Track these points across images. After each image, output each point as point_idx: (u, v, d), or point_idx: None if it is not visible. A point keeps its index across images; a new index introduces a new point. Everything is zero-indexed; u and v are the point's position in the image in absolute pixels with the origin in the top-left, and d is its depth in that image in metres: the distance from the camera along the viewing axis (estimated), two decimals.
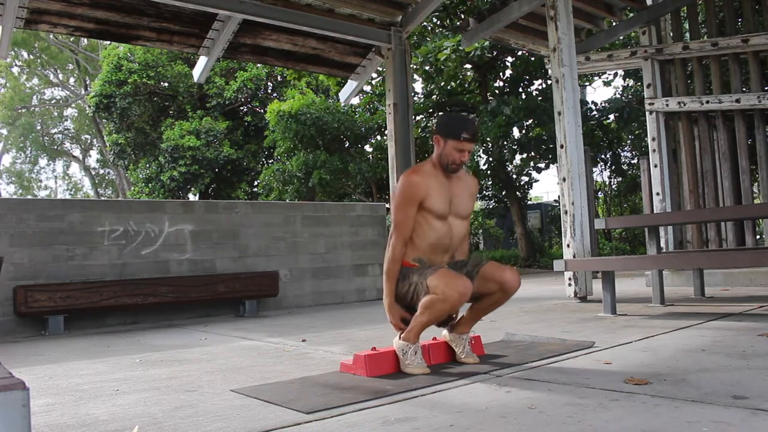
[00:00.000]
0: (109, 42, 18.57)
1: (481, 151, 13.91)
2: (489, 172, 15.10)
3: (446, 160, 2.65)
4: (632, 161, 15.73)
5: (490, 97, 13.59)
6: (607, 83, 15.30)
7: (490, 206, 17.90)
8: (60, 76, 30.49)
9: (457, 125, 2.62)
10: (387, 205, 9.03)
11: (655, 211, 6.92)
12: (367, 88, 14.97)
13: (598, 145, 14.02)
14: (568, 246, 5.55)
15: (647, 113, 7.25)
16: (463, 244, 2.80)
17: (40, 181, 36.62)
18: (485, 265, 2.68)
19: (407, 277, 2.58)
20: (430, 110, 14.86)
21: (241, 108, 18.44)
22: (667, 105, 7.08)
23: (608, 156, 15.29)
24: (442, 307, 2.45)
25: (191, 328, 5.07)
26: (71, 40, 25.11)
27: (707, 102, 6.83)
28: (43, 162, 35.18)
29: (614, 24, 7.96)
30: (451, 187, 2.68)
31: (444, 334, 2.82)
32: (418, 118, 14.63)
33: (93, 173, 32.97)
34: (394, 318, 2.64)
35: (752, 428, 1.58)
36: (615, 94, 15.20)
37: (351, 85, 8.13)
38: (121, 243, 5.59)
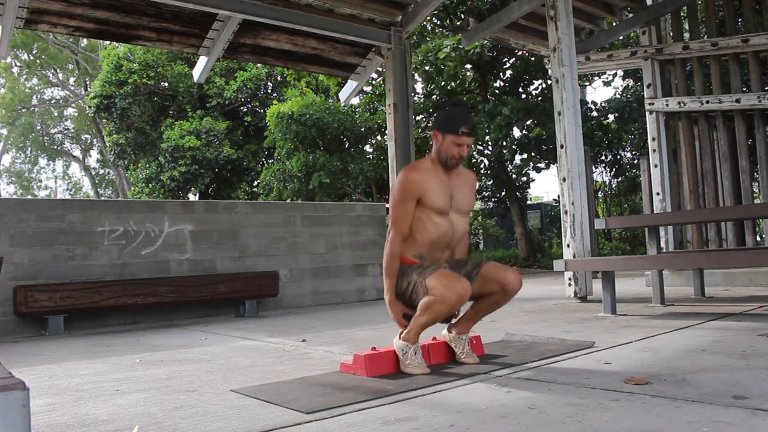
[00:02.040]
0: (109, 42, 18.57)
1: (477, 152, 13.92)
2: (489, 172, 15.10)
3: (445, 155, 2.64)
4: (633, 161, 15.73)
5: (490, 97, 13.59)
6: (607, 83, 15.30)
7: (490, 206, 17.89)
8: (60, 76, 30.49)
9: (455, 120, 2.62)
10: (387, 205, 9.02)
11: (655, 211, 6.92)
12: (367, 88, 14.97)
13: (598, 145, 14.02)
14: (568, 246, 5.55)
15: (647, 113, 7.25)
16: (464, 240, 2.80)
17: (40, 181, 36.63)
18: (486, 265, 2.67)
19: (407, 275, 2.58)
20: (430, 110, 14.86)
21: (241, 108, 18.44)
22: (667, 105, 7.08)
23: (608, 157, 15.29)
24: (440, 309, 2.45)
25: (191, 328, 5.07)
26: (71, 40, 25.11)
27: (707, 102, 6.83)
28: (43, 162, 35.20)
29: (614, 24, 7.96)
30: (451, 182, 2.68)
31: (444, 334, 2.81)
32: (418, 118, 14.62)
33: (93, 173, 32.97)
34: (395, 314, 2.64)
35: (752, 428, 1.58)
36: (615, 94, 15.20)
37: (351, 85, 8.13)
38: (121, 243, 5.59)
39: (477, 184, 2.96)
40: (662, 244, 6.82)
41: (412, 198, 2.58)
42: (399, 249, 2.60)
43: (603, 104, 14.15)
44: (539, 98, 13.16)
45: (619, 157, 15.55)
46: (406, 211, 2.59)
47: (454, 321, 2.77)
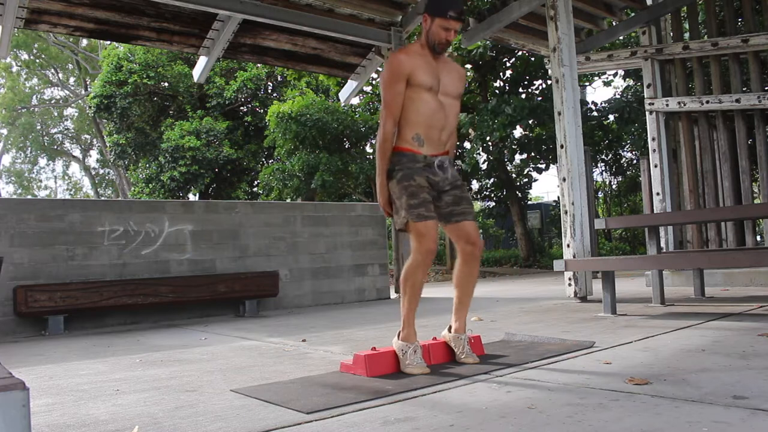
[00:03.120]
0: (109, 42, 18.57)
1: (481, 149, 13.90)
2: (489, 172, 15.10)
3: (433, 39, 2.67)
4: (633, 161, 15.74)
5: (490, 97, 13.59)
6: (607, 83, 15.31)
7: (490, 206, 17.90)
8: (60, 76, 30.50)
9: (444, 3, 2.65)
10: None
11: (655, 211, 6.92)
12: (367, 88, 14.97)
13: (598, 145, 14.02)
14: (568, 246, 5.55)
15: (647, 113, 7.25)
16: (454, 133, 2.83)
17: (40, 181, 36.65)
18: (469, 222, 2.74)
19: (402, 180, 2.61)
20: None
21: (241, 108, 18.44)
22: (667, 105, 7.08)
23: (608, 157, 15.29)
24: (416, 273, 2.59)
25: (191, 328, 5.07)
26: (71, 40, 25.11)
27: (707, 102, 6.83)
28: (43, 162, 35.22)
29: (614, 24, 7.96)
30: (438, 67, 2.71)
31: (444, 334, 2.82)
32: None
33: (93, 173, 32.97)
34: (383, 197, 2.71)
35: (752, 428, 1.58)
36: (615, 95, 15.20)
37: (351, 85, 8.13)
38: (121, 243, 5.59)
39: (465, 75, 3.00)
40: (662, 244, 6.82)
41: (401, 78, 2.61)
42: (391, 130, 2.65)
43: (603, 104, 14.15)
44: (539, 98, 13.16)
45: (618, 156, 15.56)
46: (396, 91, 2.62)
47: (450, 325, 2.77)
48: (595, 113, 13.98)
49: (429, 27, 2.68)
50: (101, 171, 32.45)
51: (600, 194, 16.81)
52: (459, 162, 13.34)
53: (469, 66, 13.48)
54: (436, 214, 2.67)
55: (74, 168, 36.68)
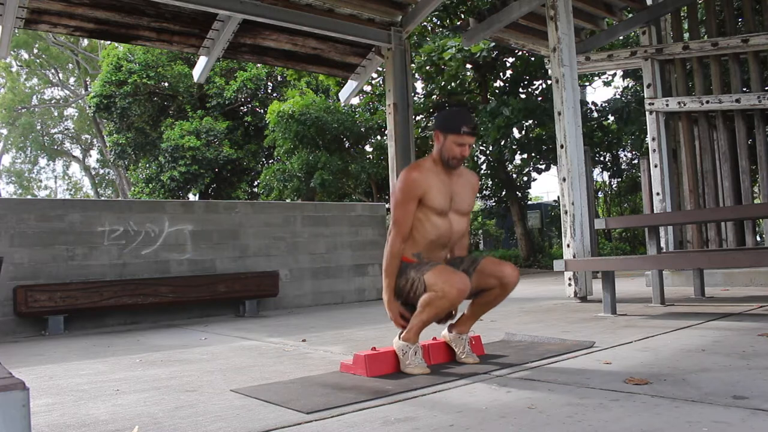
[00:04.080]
0: (109, 42, 18.57)
1: (479, 152, 13.91)
2: (489, 172, 15.10)
3: (447, 155, 2.63)
4: (633, 161, 15.74)
5: (490, 98, 13.59)
6: (607, 83, 15.31)
7: (490, 206, 17.90)
8: (60, 76, 30.50)
9: (457, 119, 2.61)
10: (387, 205, 9.03)
11: (655, 211, 6.92)
12: (367, 88, 14.97)
13: (598, 145, 14.02)
14: (568, 246, 5.55)
15: (647, 113, 7.25)
16: (463, 239, 2.80)
17: (40, 181, 36.64)
18: (482, 261, 2.68)
19: (405, 272, 2.58)
20: (430, 110, 14.86)
21: (241, 108, 18.44)
22: (667, 105, 7.08)
23: (608, 157, 15.28)
24: (441, 305, 2.45)
25: (191, 328, 5.07)
26: (71, 40, 25.11)
27: (707, 102, 6.83)
28: (43, 162, 35.22)
29: (614, 24, 7.96)
30: (451, 183, 2.67)
31: (444, 334, 2.81)
32: (418, 118, 14.63)
33: (93, 173, 32.97)
34: (393, 314, 2.64)
35: (752, 428, 1.58)
36: (615, 95, 15.21)
37: (351, 85, 8.13)
38: (121, 243, 5.59)
39: (478, 183, 2.94)
40: (662, 244, 6.82)
41: (414, 198, 2.58)
42: (399, 249, 2.60)
43: (603, 104, 14.15)
44: (539, 98, 13.16)
45: (619, 157, 15.56)
46: (408, 211, 2.58)
47: (453, 321, 2.77)
48: (595, 113, 13.97)
49: (442, 144, 2.62)
50: (101, 171, 32.46)
51: (600, 194, 16.81)
52: None
53: (469, 66, 13.48)
54: None
55: (74, 168, 36.70)
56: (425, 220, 2.60)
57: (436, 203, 2.60)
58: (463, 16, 12.67)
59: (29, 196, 33.15)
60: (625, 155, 15.94)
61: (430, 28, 13.82)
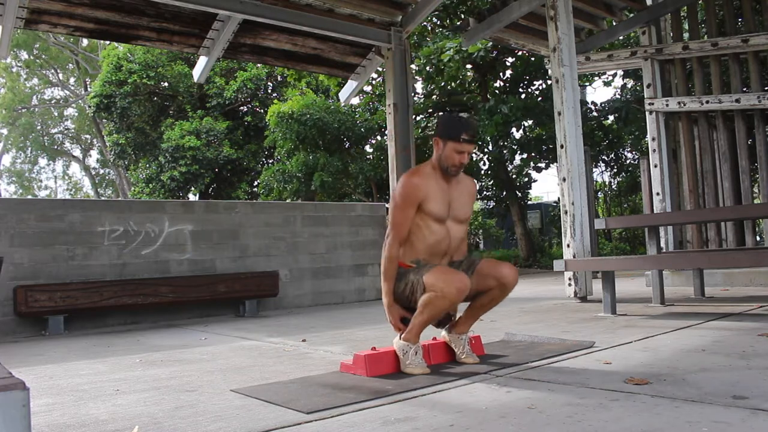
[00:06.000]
0: (109, 42, 18.57)
1: (477, 149, 13.90)
2: (489, 172, 15.09)
3: (446, 163, 2.63)
4: (633, 161, 15.74)
5: (489, 97, 13.59)
6: (607, 83, 15.30)
7: (490, 206, 17.89)
8: (60, 76, 30.50)
9: (457, 126, 2.61)
10: (387, 205, 9.02)
11: (655, 211, 6.92)
12: (367, 88, 14.97)
13: (598, 145, 14.02)
14: (568, 246, 5.55)
15: (647, 113, 7.25)
16: (461, 246, 2.80)
17: (40, 181, 36.65)
18: (481, 262, 2.68)
19: (404, 276, 2.58)
20: (430, 110, 14.86)
21: (241, 108, 18.44)
22: (667, 105, 7.08)
23: (608, 156, 15.28)
24: (441, 304, 2.45)
25: (191, 328, 5.07)
26: (71, 40, 25.11)
27: (707, 102, 6.83)
28: (43, 162, 35.22)
29: (614, 24, 7.96)
30: (450, 190, 2.67)
31: (443, 334, 2.81)
32: (418, 118, 14.62)
33: (93, 173, 32.98)
34: (393, 318, 2.64)
35: (752, 428, 1.59)
36: (615, 94, 15.21)
37: (351, 85, 8.13)
38: (121, 243, 5.59)
39: (476, 190, 2.94)
40: (662, 244, 6.82)
41: (414, 203, 2.58)
42: (397, 253, 2.60)
43: (603, 104, 14.15)
44: (539, 98, 13.16)
45: (619, 156, 15.56)
46: (407, 216, 2.58)
47: (453, 321, 2.77)
48: (595, 113, 13.97)
49: (442, 150, 2.62)
50: (101, 171, 32.46)
51: (600, 194, 16.81)
52: None
53: (469, 66, 13.48)
54: None
55: (74, 168, 36.71)
56: (424, 227, 2.60)
57: (435, 210, 2.60)
58: (463, 16, 12.66)
59: (29, 196, 33.15)
60: (624, 155, 15.95)
61: (430, 28, 13.82)
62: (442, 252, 2.67)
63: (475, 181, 2.93)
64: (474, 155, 14.91)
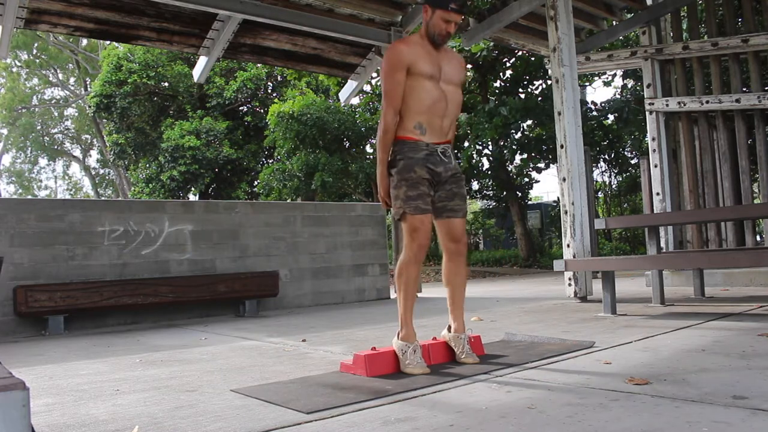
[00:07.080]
0: (109, 42, 18.58)
1: (477, 150, 13.90)
2: (489, 172, 15.09)
3: (433, 30, 2.67)
4: (632, 161, 15.74)
5: (489, 97, 13.59)
6: (607, 83, 15.31)
7: (490, 206, 17.90)
8: (60, 76, 30.50)
9: None
10: None
11: (655, 211, 6.92)
12: (367, 88, 14.97)
13: (598, 145, 14.03)
14: (568, 246, 5.55)
15: (647, 113, 7.25)
16: (456, 111, 2.80)
17: (40, 181, 36.69)
18: (458, 219, 2.74)
19: (398, 186, 2.62)
20: None
21: (241, 108, 18.44)
22: (667, 105, 7.08)
23: (609, 156, 15.28)
24: (408, 269, 2.63)
25: (191, 328, 5.07)
26: (71, 40, 25.11)
27: (707, 102, 6.83)
28: (43, 162, 35.26)
29: (614, 24, 7.95)
30: (439, 57, 2.71)
31: (443, 334, 2.82)
32: None
33: (93, 173, 32.98)
34: (383, 188, 2.70)
35: (752, 428, 1.58)
36: (615, 95, 15.21)
37: (351, 85, 8.13)
38: (121, 243, 5.59)
39: (465, 64, 3.00)
40: (662, 244, 6.82)
41: (401, 67, 2.61)
42: (391, 122, 2.63)
43: (603, 104, 14.15)
44: (539, 98, 13.16)
45: (619, 156, 15.56)
46: (396, 81, 2.61)
47: (449, 325, 2.77)
48: (595, 113, 13.98)
49: (429, 18, 2.67)
50: (101, 171, 32.47)
51: (600, 194, 16.81)
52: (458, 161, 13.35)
53: (469, 66, 13.48)
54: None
55: (74, 168, 36.74)
56: (418, 88, 2.63)
57: (426, 69, 2.64)
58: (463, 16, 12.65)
59: (29, 196, 33.16)
60: (624, 154, 15.96)
61: None
62: (441, 114, 2.68)
63: (463, 58, 2.97)
64: (474, 155, 14.91)
